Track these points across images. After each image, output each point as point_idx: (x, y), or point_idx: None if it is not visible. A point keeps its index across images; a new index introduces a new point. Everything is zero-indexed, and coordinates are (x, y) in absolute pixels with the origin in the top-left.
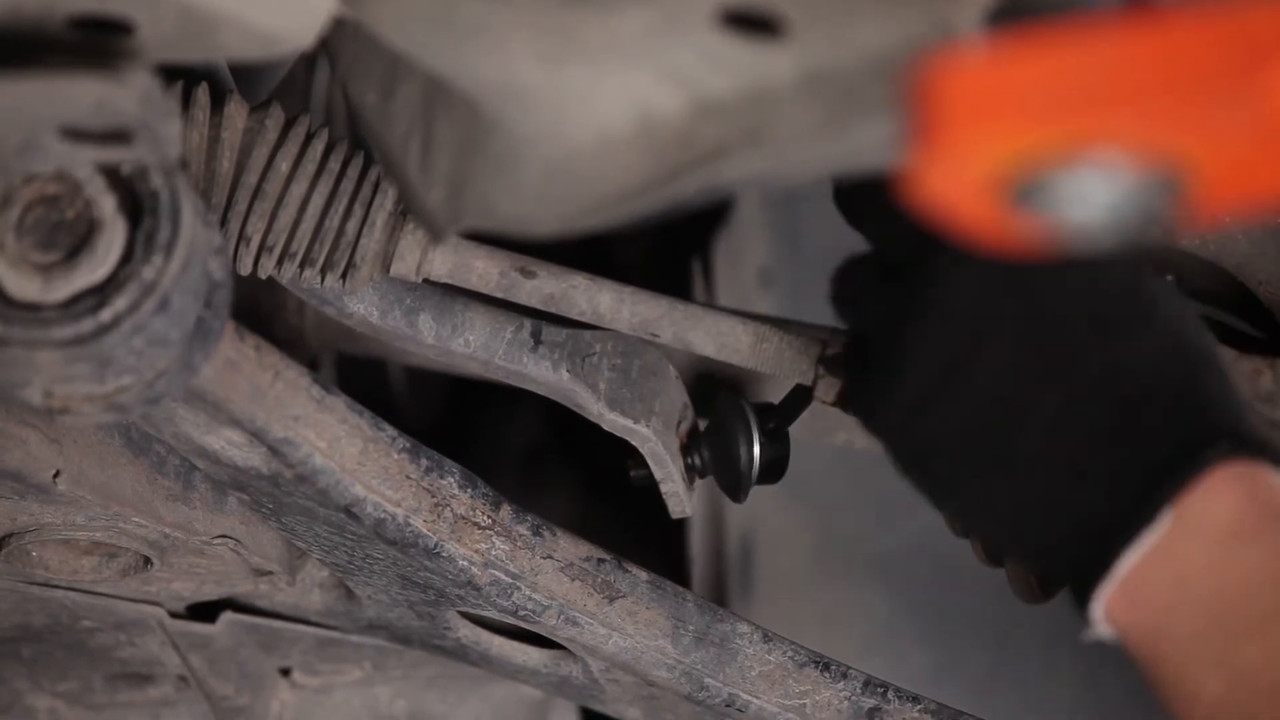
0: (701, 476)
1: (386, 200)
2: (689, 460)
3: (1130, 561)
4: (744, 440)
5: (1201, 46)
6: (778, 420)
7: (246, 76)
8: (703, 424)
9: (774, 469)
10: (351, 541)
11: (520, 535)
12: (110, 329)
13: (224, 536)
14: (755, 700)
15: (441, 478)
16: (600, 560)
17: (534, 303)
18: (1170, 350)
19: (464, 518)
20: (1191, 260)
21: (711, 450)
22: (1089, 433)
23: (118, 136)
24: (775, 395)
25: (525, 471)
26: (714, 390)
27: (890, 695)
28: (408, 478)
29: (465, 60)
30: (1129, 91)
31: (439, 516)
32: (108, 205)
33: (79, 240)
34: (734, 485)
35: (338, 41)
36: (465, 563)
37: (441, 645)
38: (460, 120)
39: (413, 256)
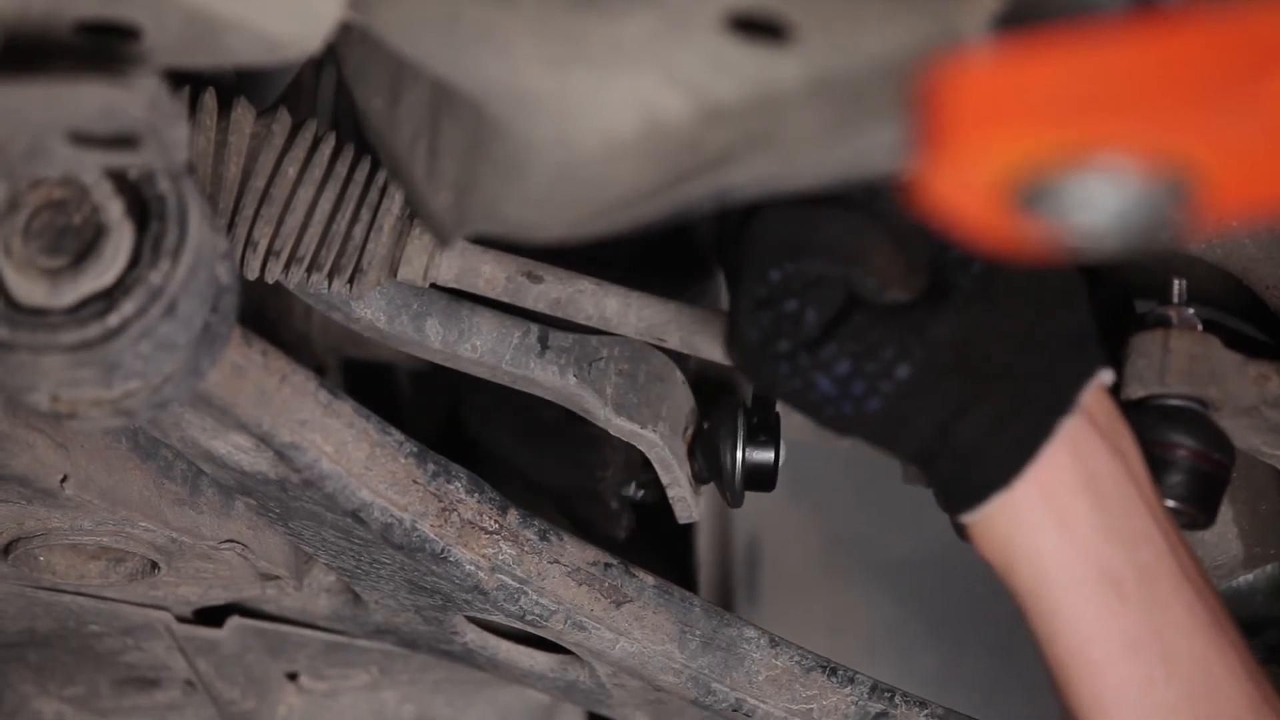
0: (704, 482)
1: (393, 205)
2: (694, 465)
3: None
4: (728, 446)
5: (1209, 51)
6: (760, 414)
7: (254, 81)
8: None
9: (760, 476)
10: (359, 546)
11: (527, 539)
12: (117, 334)
13: (231, 541)
14: (762, 705)
15: (448, 482)
16: (607, 565)
17: (541, 307)
18: None
19: (471, 522)
20: (1198, 264)
21: (705, 455)
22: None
23: (125, 141)
24: None
25: None
26: (720, 394)
27: (898, 699)
28: (415, 482)
29: (471, 65)
30: (1136, 96)
31: (446, 521)
32: (115, 210)
33: (86, 245)
34: (725, 490)
35: (344, 46)
36: (472, 567)
37: (449, 650)
38: (466, 125)
39: (420, 261)
